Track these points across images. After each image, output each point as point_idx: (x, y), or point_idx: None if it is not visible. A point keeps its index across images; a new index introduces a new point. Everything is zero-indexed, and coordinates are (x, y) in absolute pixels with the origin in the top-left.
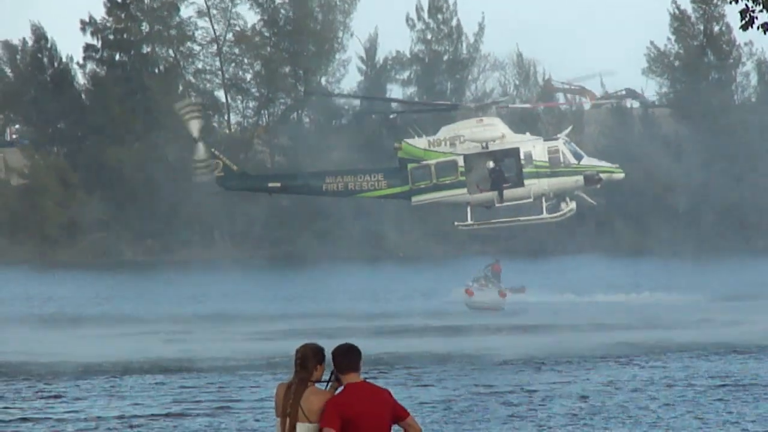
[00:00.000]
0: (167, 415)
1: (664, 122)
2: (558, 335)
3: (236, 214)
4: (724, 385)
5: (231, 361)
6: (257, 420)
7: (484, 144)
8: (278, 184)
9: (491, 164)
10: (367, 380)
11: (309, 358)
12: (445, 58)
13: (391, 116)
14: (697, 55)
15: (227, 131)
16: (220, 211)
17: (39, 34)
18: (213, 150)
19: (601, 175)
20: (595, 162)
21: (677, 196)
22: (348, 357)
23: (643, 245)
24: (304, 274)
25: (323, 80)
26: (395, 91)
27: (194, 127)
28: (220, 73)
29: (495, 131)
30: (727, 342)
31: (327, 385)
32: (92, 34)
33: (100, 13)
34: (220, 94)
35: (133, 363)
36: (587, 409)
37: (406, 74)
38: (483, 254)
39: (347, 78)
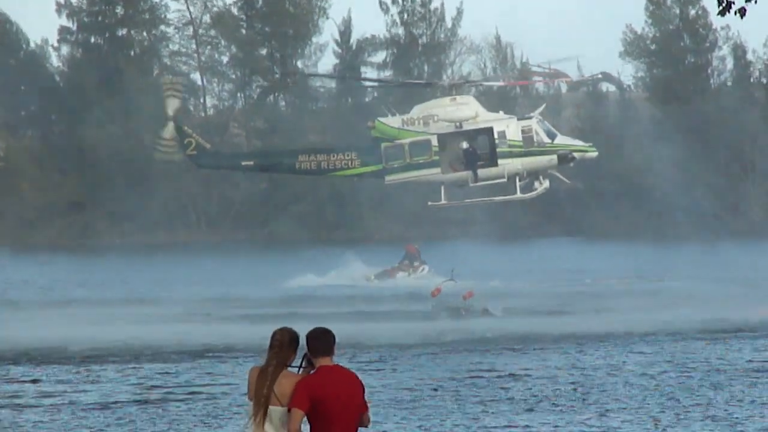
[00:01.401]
0: (139, 401)
1: (640, 106)
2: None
3: (213, 196)
4: (644, 374)
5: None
6: (229, 404)
7: (457, 123)
8: (251, 163)
9: (465, 144)
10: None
11: (286, 341)
12: (421, 41)
13: (367, 100)
14: (673, 39)
15: (203, 114)
16: (198, 193)
17: (3, 19)
18: (185, 128)
19: (575, 154)
20: (568, 141)
21: (652, 180)
22: (322, 340)
23: (617, 230)
24: (272, 257)
25: (299, 63)
26: (370, 74)
27: (171, 105)
28: (195, 55)
29: (468, 110)
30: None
31: (299, 370)
32: (68, 16)
33: None
34: (196, 77)
35: (100, 347)
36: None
37: (381, 57)
38: (460, 237)
39: (323, 61)
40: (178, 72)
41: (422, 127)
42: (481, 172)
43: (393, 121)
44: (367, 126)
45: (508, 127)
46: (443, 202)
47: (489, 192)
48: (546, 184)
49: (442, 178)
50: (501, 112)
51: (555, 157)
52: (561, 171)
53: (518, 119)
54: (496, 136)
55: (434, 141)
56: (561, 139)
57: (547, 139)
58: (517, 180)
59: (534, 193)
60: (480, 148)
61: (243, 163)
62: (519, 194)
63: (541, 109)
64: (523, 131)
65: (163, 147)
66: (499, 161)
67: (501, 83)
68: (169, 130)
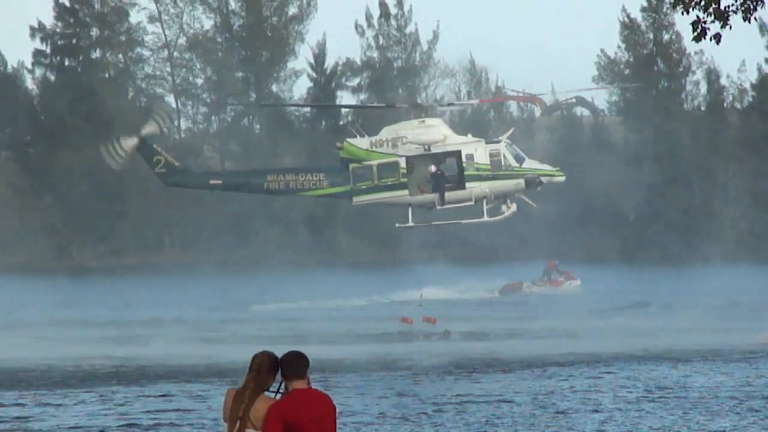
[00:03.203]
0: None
1: (614, 130)
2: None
3: (187, 218)
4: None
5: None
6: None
7: (426, 146)
8: (219, 182)
9: (433, 166)
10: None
11: (265, 365)
12: (396, 65)
13: (341, 123)
14: (646, 63)
15: (177, 137)
16: (171, 215)
17: None
18: (155, 146)
19: (542, 179)
20: (536, 165)
21: (626, 202)
22: (295, 364)
23: (594, 252)
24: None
25: (274, 87)
26: (346, 98)
27: (149, 127)
28: (170, 78)
29: (437, 133)
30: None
31: (275, 395)
32: (41, 39)
33: (49, 19)
34: (171, 99)
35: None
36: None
37: (356, 81)
38: (432, 260)
39: (298, 84)
40: (151, 95)
41: (390, 149)
42: (449, 194)
43: (361, 143)
44: (336, 147)
45: (476, 151)
46: (411, 224)
47: (456, 215)
48: (513, 207)
49: (409, 200)
50: (469, 135)
51: (522, 181)
52: (529, 195)
53: (486, 143)
54: (464, 159)
55: (402, 163)
56: (529, 163)
57: (515, 163)
58: (485, 203)
59: (501, 216)
60: (448, 170)
61: (211, 182)
62: (486, 218)
63: (509, 132)
64: (491, 155)
65: (113, 150)
66: (467, 184)
67: (470, 102)
68: (130, 144)
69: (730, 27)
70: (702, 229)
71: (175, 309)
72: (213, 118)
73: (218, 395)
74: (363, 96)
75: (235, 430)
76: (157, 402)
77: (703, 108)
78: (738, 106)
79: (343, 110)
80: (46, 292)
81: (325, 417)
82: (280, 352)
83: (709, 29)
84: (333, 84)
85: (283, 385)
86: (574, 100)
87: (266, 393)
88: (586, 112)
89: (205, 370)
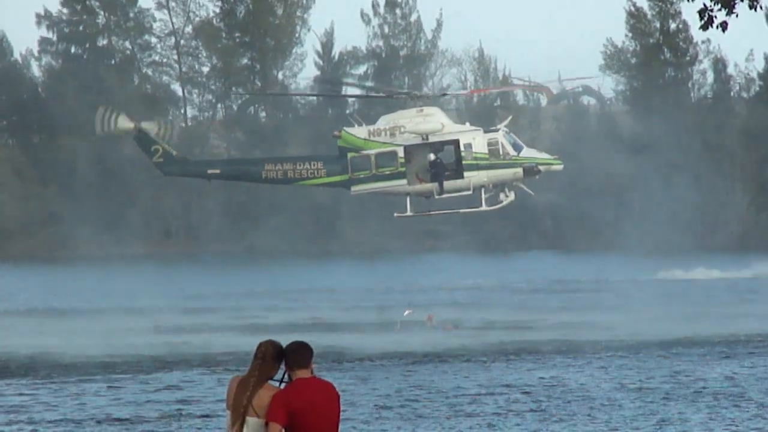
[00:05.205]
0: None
1: (620, 119)
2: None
3: (192, 208)
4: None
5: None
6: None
7: (424, 135)
8: (217, 171)
9: (431, 156)
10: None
11: (270, 354)
12: (402, 53)
13: (348, 111)
14: (653, 52)
15: (183, 124)
16: (176, 205)
17: None
18: (152, 136)
19: (540, 167)
20: (534, 153)
21: (632, 193)
22: (299, 354)
23: (596, 244)
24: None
25: (280, 74)
26: (352, 87)
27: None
28: (176, 66)
29: (435, 122)
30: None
31: (280, 384)
32: (48, 27)
33: (56, 6)
34: (177, 87)
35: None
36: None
37: (362, 69)
38: (437, 250)
39: (304, 72)
40: (157, 83)
41: (389, 138)
42: (447, 184)
43: (359, 132)
44: (333, 135)
45: (474, 140)
46: (409, 213)
47: (455, 204)
48: (512, 196)
49: (407, 190)
50: (467, 124)
51: (520, 169)
52: (528, 184)
53: (484, 131)
54: (462, 148)
55: (400, 152)
56: (527, 152)
57: (513, 152)
58: (483, 192)
59: (499, 205)
60: (446, 159)
61: (209, 171)
62: (484, 206)
63: (507, 121)
64: (489, 143)
65: (107, 118)
66: (465, 173)
67: (464, 92)
68: (125, 125)
69: (737, 15)
70: (710, 218)
71: (178, 298)
72: (219, 106)
73: (211, 383)
74: (368, 85)
75: (238, 418)
76: (163, 393)
77: (710, 97)
78: (745, 95)
79: (350, 99)
80: (48, 281)
81: (329, 405)
82: (284, 341)
83: (716, 17)
84: (339, 72)
85: (286, 375)
86: (580, 89)
87: (270, 382)
88: (593, 101)
89: (203, 360)
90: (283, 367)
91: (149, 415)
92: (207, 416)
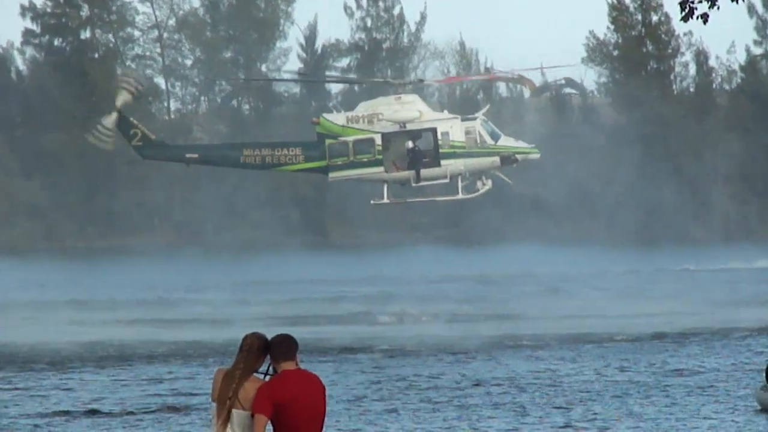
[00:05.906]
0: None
1: (602, 112)
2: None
3: (176, 200)
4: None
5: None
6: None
7: (401, 123)
8: (196, 155)
9: (409, 143)
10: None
11: (255, 347)
12: (385, 45)
13: (330, 104)
14: (635, 44)
15: (166, 117)
16: (161, 197)
17: None
18: (132, 119)
19: (517, 156)
20: (511, 142)
21: (613, 186)
22: (284, 346)
23: (580, 235)
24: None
25: (263, 67)
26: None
27: (121, 97)
28: (160, 59)
29: (412, 110)
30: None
31: (265, 376)
32: (32, 19)
33: None
34: (160, 80)
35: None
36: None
37: (345, 62)
38: (422, 242)
39: (287, 65)
40: (141, 75)
41: (366, 125)
42: (424, 171)
43: (337, 118)
44: (312, 122)
45: (452, 128)
46: (386, 200)
47: (432, 192)
48: (489, 185)
49: (385, 177)
50: (445, 112)
51: (498, 158)
52: (504, 172)
53: (462, 120)
54: (439, 136)
55: (378, 139)
56: (504, 141)
57: (490, 141)
58: (459, 180)
59: (476, 193)
60: (423, 147)
61: (187, 155)
62: (461, 194)
63: (485, 110)
64: (466, 132)
65: (99, 133)
66: (442, 161)
67: (439, 80)
68: (110, 120)
69: (718, 7)
70: (689, 211)
71: (162, 290)
72: (202, 98)
73: (194, 375)
74: (351, 77)
75: (223, 411)
76: (149, 384)
77: (692, 89)
78: (727, 87)
79: (333, 92)
80: (33, 274)
81: (315, 398)
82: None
83: (696, 8)
84: (322, 64)
85: (271, 367)
86: (563, 81)
87: (255, 374)
88: (575, 93)
89: (193, 351)
90: (268, 359)
91: (135, 407)
92: (191, 408)
